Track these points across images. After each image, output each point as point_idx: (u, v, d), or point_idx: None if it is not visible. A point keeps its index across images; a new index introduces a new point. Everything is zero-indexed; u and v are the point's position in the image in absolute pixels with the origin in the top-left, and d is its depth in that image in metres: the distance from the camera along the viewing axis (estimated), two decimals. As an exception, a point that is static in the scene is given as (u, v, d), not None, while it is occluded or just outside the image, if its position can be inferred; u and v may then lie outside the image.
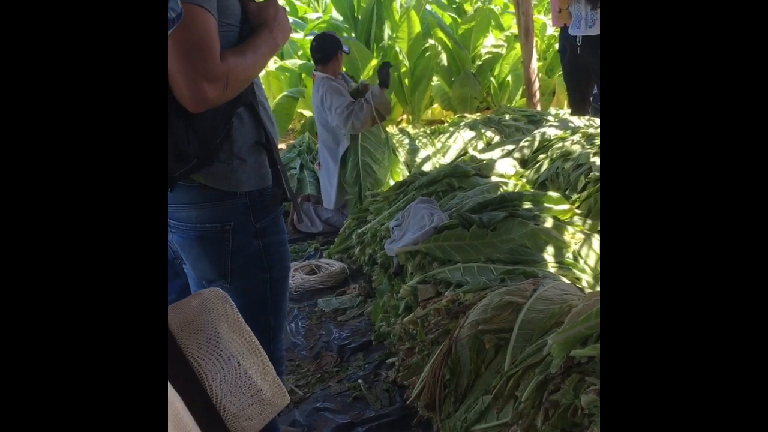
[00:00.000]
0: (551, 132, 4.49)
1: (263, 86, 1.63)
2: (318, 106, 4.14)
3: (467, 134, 5.39)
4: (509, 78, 7.83)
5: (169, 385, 0.67)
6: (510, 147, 4.65)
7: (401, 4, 7.30)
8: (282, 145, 7.50)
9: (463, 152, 5.12)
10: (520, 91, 7.65)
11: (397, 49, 7.09)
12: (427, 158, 5.05)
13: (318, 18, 8.54)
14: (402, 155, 5.00)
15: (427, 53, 7.33)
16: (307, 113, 7.87)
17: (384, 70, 4.13)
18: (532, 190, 3.12)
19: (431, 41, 7.51)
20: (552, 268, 2.30)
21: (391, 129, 5.96)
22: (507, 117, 5.67)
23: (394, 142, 5.10)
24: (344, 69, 4.53)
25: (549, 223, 2.53)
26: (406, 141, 5.31)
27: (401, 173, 4.60)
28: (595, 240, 2.49)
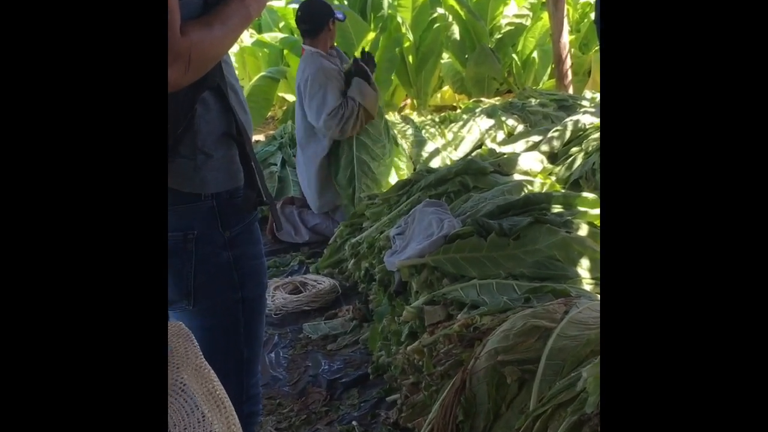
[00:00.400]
0: (586, 120, 4.50)
1: (235, 66, 1.63)
2: (300, 88, 4.14)
3: (484, 123, 5.41)
4: (535, 54, 7.86)
5: None
6: (536, 138, 4.67)
7: (403, -35, 7.34)
8: (259, 137, 7.52)
9: (479, 145, 5.14)
10: (549, 71, 7.68)
11: (399, 19, 7.12)
12: (436, 152, 5.06)
13: (303, -18, 8.59)
14: (405, 148, 5.00)
15: (436, 25, 7.36)
16: (291, 98, 7.90)
17: (362, 62, 4.14)
18: (563, 191, 3.12)
19: (440, 10, 7.55)
20: (587, 284, 2.29)
21: (392, 116, 5.97)
22: (532, 101, 5.69)
23: (396, 132, 5.11)
24: (336, 43, 4.53)
25: (583, 230, 2.53)
26: (410, 131, 5.32)
27: (406, 170, 4.60)
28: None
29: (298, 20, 4.20)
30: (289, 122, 5.77)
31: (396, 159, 4.47)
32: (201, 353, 0.95)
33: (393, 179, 4.29)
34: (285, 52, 7.66)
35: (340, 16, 4.28)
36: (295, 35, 7.50)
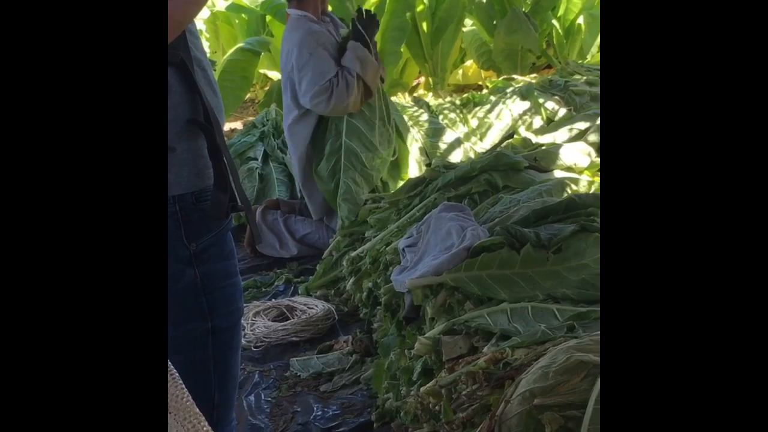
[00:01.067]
0: (645, 101, 4.49)
1: (205, 36, 1.64)
2: (285, 60, 4.15)
3: (517, 106, 5.41)
4: (581, 20, 7.86)
5: None
6: (582, 125, 4.67)
7: None
8: (235, 124, 7.55)
9: (511, 133, 5.14)
10: (598, 40, 7.67)
11: (411, -23, 7.14)
12: (457, 143, 5.06)
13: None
14: (418, 137, 5.01)
15: (457, -17, 7.38)
16: (275, 75, 7.92)
17: (360, 24, 4.16)
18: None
19: (462, -35, 7.57)
20: (647, 309, 2.29)
21: (401, 98, 5.98)
22: (578, 79, 5.69)
23: (406, 117, 5.11)
24: (330, 8, 4.54)
25: (642, 240, 2.53)
26: (425, 116, 5.33)
27: (419, 165, 4.60)
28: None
29: None
30: (273, 106, 5.76)
31: (402, 152, 4.47)
32: (187, 392, 0.98)
33: (396, 177, 4.30)
34: (268, 18, 7.69)
35: None
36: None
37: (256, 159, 5.10)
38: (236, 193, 1.49)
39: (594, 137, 4.40)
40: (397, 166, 4.51)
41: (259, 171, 5.02)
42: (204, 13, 7.74)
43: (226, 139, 1.67)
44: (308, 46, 4.04)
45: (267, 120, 5.55)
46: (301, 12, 4.16)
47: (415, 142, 4.89)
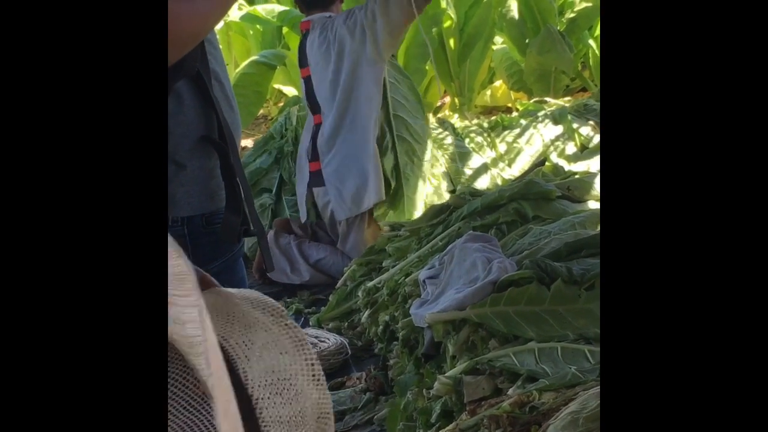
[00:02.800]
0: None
1: (221, 47, 1.65)
2: (330, 48, 4.21)
3: (549, 131, 5.42)
4: (619, 41, 7.87)
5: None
6: (619, 153, 4.66)
7: None
8: (246, 142, 7.56)
9: (543, 160, 5.13)
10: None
11: (438, -10, 7.20)
12: (483, 168, 5.08)
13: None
14: (443, 162, 5.02)
15: (487, -1, 7.42)
16: (290, 91, 7.96)
17: None
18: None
19: (493, -21, 7.61)
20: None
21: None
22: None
23: (430, 142, 5.13)
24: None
25: (682, 278, 2.52)
26: (450, 139, 5.35)
27: (436, 191, 4.62)
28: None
29: None
30: (295, 109, 5.60)
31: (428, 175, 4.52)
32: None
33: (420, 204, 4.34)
34: (284, 30, 7.75)
35: None
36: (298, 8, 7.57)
37: (270, 191, 5.03)
38: (249, 217, 1.49)
39: (631, 166, 4.40)
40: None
41: (272, 206, 4.96)
42: (218, 25, 7.78)
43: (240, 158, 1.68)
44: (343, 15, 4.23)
45: (287, 129, 5.40)
46: (327, 14, 4.24)
47: (440, 164, 4.91)
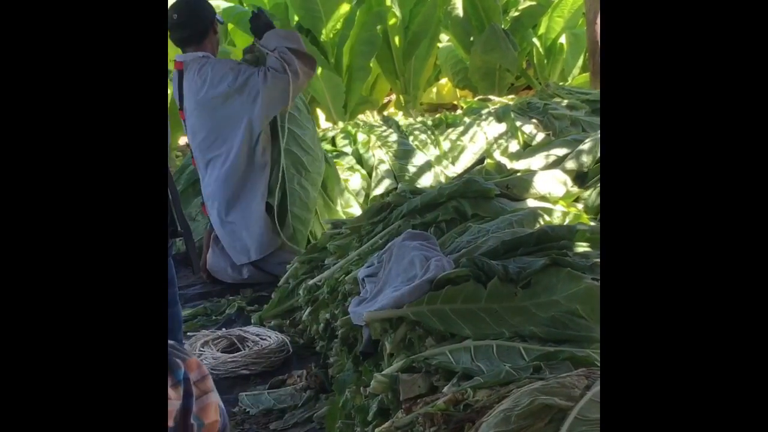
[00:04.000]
0: (627, 128, 4.53)
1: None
2: (207, 96, 4.23)
3: (493, 129, 5.44)
4: (563, 40, 7.94)
5: None
6: (560, 151, 4.68)
7: None
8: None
9: (484, 158, 5.16)
10: (581, 61, 7.77)
11: (383, -13, 7.20)
12: (427, 166, 5.09)
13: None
14: (386, 160, 5.02)
15: (432, -4, 7.43)
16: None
17: (255, 22, 4.41)
18: (592, 224, 3.13)
19: (438, -23, 7.63)
20: (619, 350, 2.30)
21: (370, 117, 5.99)
22: (558, 102, 5.73)
23: (374, 137, 5.13)
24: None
25: (616, 276, 2.54)
26: (394, 137, 5.35)
27: (353, 198, 4.67)
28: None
29: (173, 26, 4.27)
30: None
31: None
32: None
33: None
34: (230, 27, 7.68)
35: (220, 19, 4.56)
36: (245, 5, 7.53)
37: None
38: (176, 218, 1.49)
39: (572, 164, 4.43)
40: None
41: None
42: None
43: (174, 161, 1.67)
44: (222, 66, 4.29)
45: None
46: (201, 53, 4.31)
47: (381, 162, 4.92)
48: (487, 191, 3.34)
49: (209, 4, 4.41)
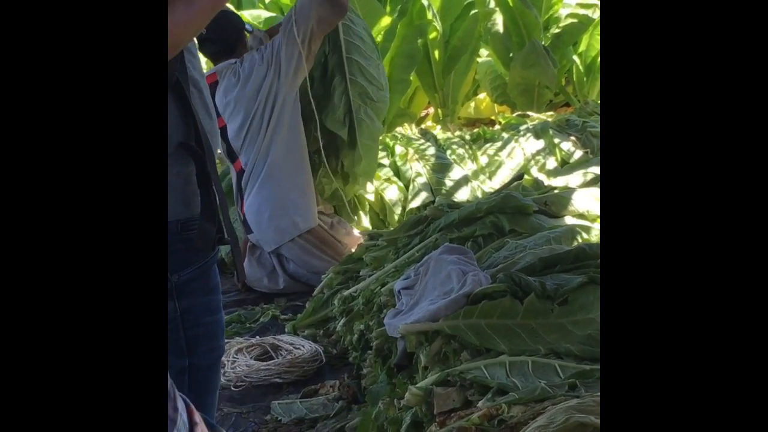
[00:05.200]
0: (666, 148, 4.50)
1: (198, 55, 1.66)
2: (243, 90, 4.27)
3: (531, 145, 5.43)
4: (603, 58, 7.89)
5: None
6: (598, 170, 4.67)
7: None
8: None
9: (522, 174, 5.15)
10: (620, 80, 7.69)
11: (425, 2, 7.20)
12: (464, 181, 5.08)
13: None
14: (423, 173, 5.02)
15: (473, 11, 7.44)
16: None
17: None
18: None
19: (480, -7, 7.63)
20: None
21: (408, 130, 5.99)
22: (597, 120, 5.71)
23: (412, 150, 5.14)
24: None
25: (654, 296, 2.52)
26: (432, 150, 5.35)
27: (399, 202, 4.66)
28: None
29: (202, 41, 4.32)
30: None
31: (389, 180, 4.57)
32: None
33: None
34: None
35: (249, 28, 4.56)
36: (285, 13, 7.56)
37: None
38: (223, 225, 1.50)
39: (610, 183, 4.41)
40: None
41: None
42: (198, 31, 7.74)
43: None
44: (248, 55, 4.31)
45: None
46: (232, 60, 4.36)
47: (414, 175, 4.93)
48: (525, 207, 3.33)
49: (236, 15, 4.48)
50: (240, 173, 4.44)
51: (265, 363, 3.43)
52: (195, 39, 1.54)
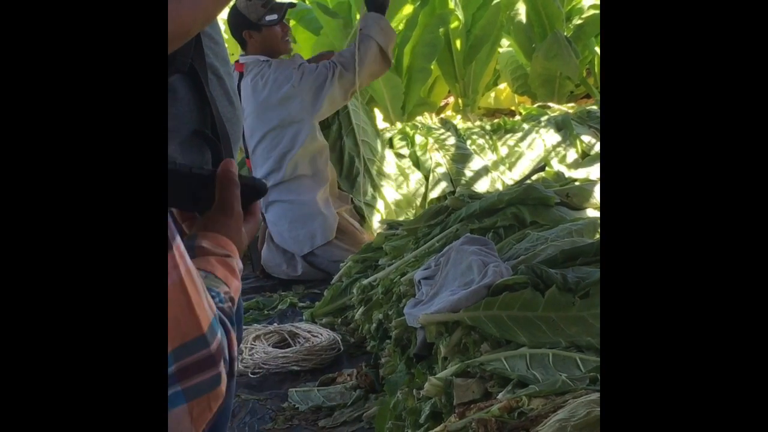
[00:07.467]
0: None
1: (223, 40, 1.63)
2: (269, 98, 4.29)
3: (551, 137, 5.41)
4: (626, 49, 7.85)
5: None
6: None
7: None
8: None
9: (543, 165, 5.13)
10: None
11: (447, -9, 7.19)
12: (484, 171, 5.07)
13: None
14: (443, 163, 5.00)
15: (495, 1, 7.40)
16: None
17: None
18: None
19: (503, -18, 7.60)
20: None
21: (428, 119, 5.97)
22: (618, 112, 5.68)
23: (432, 140, 5.12)
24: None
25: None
26: (452, 140, 5.34)
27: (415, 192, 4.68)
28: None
29: (233, 26, 4.42)
30: None
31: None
32: None
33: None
34: (292, 23, 7.71)
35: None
36: (307, 2, 7.55)
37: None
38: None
39: (631, 175, 4.40)
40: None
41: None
42: (221, 12, 7.76)
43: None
44: (282, 68, 4.33)
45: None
46: (263, 57, 4.38)
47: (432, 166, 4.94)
48: (547, 199, 3.32)
49: (239, 12, 4.44)
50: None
51: (282, 350, 3.44)
52: (218, 24, 1.52)
